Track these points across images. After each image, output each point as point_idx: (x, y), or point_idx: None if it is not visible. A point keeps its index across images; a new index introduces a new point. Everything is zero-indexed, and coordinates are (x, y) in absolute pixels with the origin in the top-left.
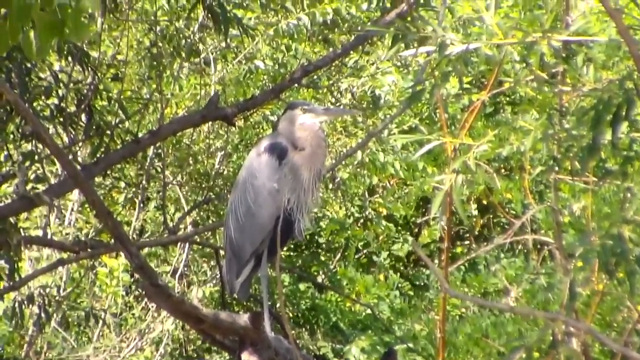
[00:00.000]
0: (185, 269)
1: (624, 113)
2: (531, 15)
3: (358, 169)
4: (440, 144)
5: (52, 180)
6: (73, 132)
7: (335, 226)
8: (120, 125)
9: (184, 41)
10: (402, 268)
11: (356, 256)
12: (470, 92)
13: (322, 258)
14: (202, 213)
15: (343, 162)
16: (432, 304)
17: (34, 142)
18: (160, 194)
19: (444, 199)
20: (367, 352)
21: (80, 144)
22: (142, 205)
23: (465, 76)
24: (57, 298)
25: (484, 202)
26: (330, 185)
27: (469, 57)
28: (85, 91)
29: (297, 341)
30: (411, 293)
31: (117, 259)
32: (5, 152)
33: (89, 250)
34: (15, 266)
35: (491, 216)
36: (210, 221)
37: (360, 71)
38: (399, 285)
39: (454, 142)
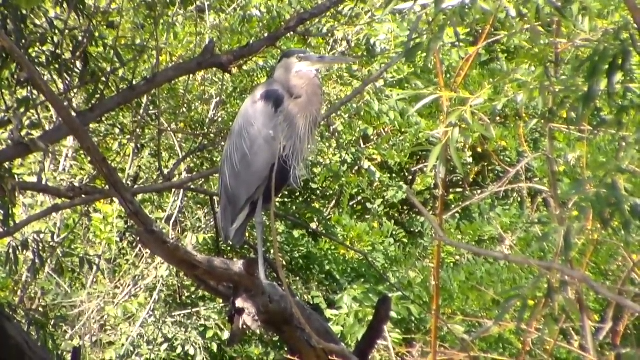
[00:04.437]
0: (180, 215)
1: (620, 63)
2: None
3: (352, 118)
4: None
5: (47, 127)
6: (68, 79)
7: (328, 173)
8: (115, 72)
9: None
10: (396, 215)
11: (350, 203)
12: (466, 43)
13: (317, 205)
14: (196, 160)
15: (338, 112)
16: (426, 251)
17: (29, 88)
18: (155, 140)
19: (442, 151)
20: (360, 300)
21: (75, 90)
22: (136, 152)
23: (460, 27)
24: (51, 244)
25: (479, 149)
26: (326, 134)
27: (465, 11)
28: (80, 38)
29: (291, 288)
30: (405, 240)
31: (112, 205)
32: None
33: (83, 196)
34: (10, 212)
35: (486, 164)
36: (204, 168)
37: (356, 19)
38: (394, 232)
39: (450, 95)
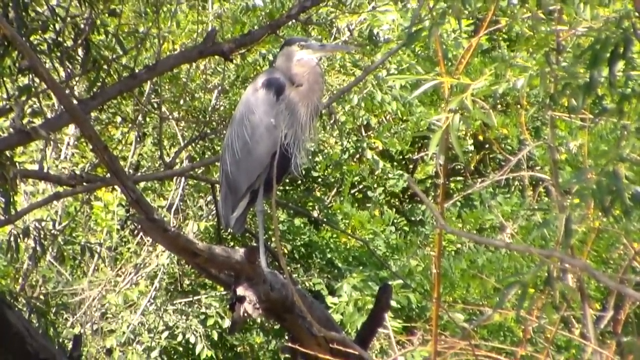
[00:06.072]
0: (181, 203)
1: (621, 51)
2: None
3: (354, 109)
4: (437, 83)
5: (49, 115)
6: (70, 67)
7: (329, 161)
8: (117, 60)
9: None
10: (397, 203)
11: (351, 192)
12: (468, 33)
13: (318, 193)
14: (198, 148)
15: (340, 101)
16: (427, 239)
17: (30, 76)
18: (157, 129)
19: (442, 137)
20: (360, 288)
21: (77, 78)
22: (138, 140)
23: (461, 15)
24: (52, 232)
25: (480, 137)
26: (328, 126)
27: None
28: (82, 26)
29: (292, 276)
30: (406, 228)
31: (113, 193)
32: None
33: (84, 184)
34: (11, 200)
35: (487, 152)
36: (206, 156)
37: (358, 9)
38: (395, 220)
39: (451, 81)
